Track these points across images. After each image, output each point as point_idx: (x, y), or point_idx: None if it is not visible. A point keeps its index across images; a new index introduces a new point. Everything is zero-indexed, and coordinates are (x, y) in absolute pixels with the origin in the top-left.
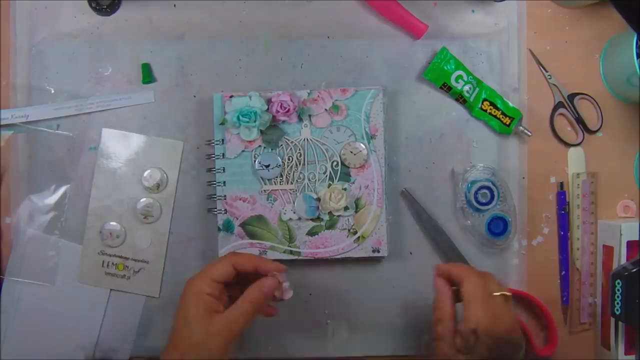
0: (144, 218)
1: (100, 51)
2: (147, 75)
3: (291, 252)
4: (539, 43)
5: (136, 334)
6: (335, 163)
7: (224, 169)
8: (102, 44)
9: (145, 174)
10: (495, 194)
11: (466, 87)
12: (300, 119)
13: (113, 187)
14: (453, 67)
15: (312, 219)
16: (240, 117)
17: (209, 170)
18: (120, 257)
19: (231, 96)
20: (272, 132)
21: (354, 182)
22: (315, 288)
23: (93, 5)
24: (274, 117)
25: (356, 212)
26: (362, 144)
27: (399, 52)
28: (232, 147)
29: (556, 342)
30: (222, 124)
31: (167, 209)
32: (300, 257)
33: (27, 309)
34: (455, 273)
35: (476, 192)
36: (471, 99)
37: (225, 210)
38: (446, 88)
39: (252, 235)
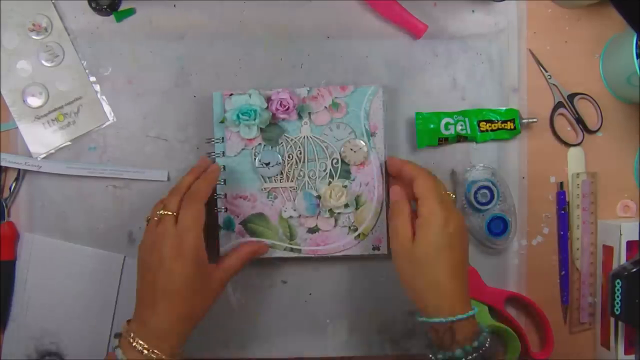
0: None
1: (100, 51)
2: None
3: (292, 250)
4: (539, 43)
5: None
6: (335, 160)
7: (224, 167)
8: (101, 44)
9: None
10: (495, 194)
11: (459, 127)
12: (300, 117)
13: None
14: (436, 119)
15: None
16: (240, 115)
17: None
18: None
19: (231, 94)
20: (272, 130)
21: (354, 180)
22: (315, 288)
23: (93, 5)
24: (273, 115)
25: (357, 209)
26: (362, 141)
27: (399, 52)
28: (232, 145)
29: (552, 346)
30: (222, 122)
31: None
32: (301, 255)
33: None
34: (407, 170)
35: (476, 192)
36: (469, 132)
37: (226, 208)
38: (443, 141)
39: (252, 233)
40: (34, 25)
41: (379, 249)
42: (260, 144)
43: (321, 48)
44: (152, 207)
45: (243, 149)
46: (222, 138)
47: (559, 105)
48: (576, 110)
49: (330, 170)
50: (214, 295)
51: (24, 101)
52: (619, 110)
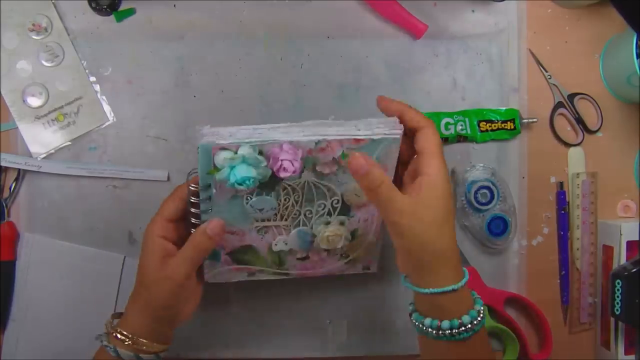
0: None
1: (100, 51)
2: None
3: (280, 274)
4: (539, 43)
5: None
6: (335, 201)
7: (210, 209)
8: (101, 44)
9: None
10: (495, 194)
11: (459, 127)
12: (303, 168)
13: None
14: (436, 119)
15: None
16: (237, 185)
17: (193, 203)
18: None
19: (222, 149)
20: (269, 181)
21: (353, 216)
22: (315, 288)
23: (93, 5)
24: (274, 173)
25: (351, 241)
26: None
27: (399, 52)
28: (220, 193)
29: (551, 348)
30: (210, 174)
31: None
32: (289, 277)
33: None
34: (410, 117)
35: (476, 192)
36: (469, 132)
37: None
38: (443, 141)
39: (239, 262)
40: (34, 25)
41: (369, 269)
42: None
43: (321, 48)
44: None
45: (234, 196)
46: (209, 185)
47: (559, 105)
48: (576, 110)
49: (329, 209)
50: (171, 287)
51: (24, 101)
52: (619, 110)
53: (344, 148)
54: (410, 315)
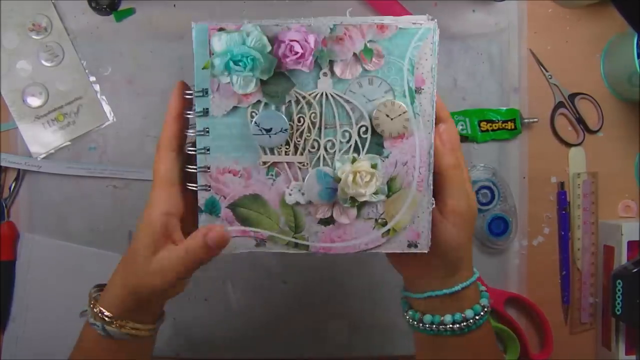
0: None
1: (100, 51)
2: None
3: (296, 245)
4: (539, 43)
5: None
6: (364, 129)
7: (207, 131)
8: (101, 43)
9: None
10: (496, 194)
11: (459, 127)
12: (318, 66)
13: None
14: None
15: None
16: (232, 64)
17: (188, 129)
18: None
19: (220, 29)
20: (276, 82)
21: (387, 157)
22: (315, 288)
23: (93, 5)
24: (280, 62)
25: (388, 197)
26: (403, 104)
27: None
28: (219, 100)
29: (552, 348)
30: (205, 68)
31: None
32: (309, 252)
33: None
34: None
35: (477, 192)
36: (470, 132)
37: (209, 186)
38: None
39: (244, 221)
40: (34, 25)
41: (416, 246)
42: (259, 101)
43: None
44: None
45: (235, 107)
46: (206, 90)
47: (559, 105)
48: (577, 110)
49: (355, 141)
50: (161, 284)
51: (23, 101)
52: (620, 110)
53: (366, 40)
54: (406, 312)
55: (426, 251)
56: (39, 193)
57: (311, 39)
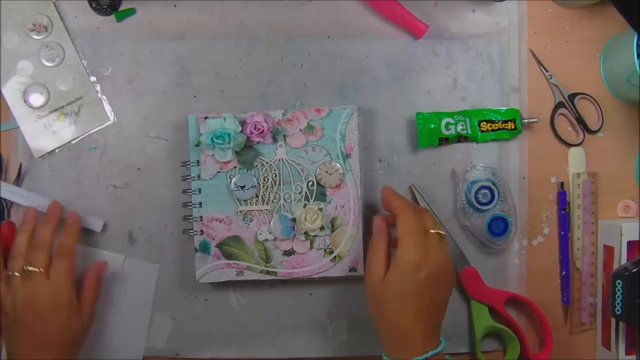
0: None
1: (100, 51)
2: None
3: (268, 272)
4: (539, 43)
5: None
6: (310, 183)
7: (199, 190)
8: (102, 44)
9: None
10: (496, 194)
11: (459, 127)
12: (275, 140)
13: None
14: (436, 119)
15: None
16: (215, 139)
17: (185, 191)
18: None
19: (206, 117)
20: (247, 153)
21: (329, 202)
22: (315, 288)
23: (93, 5)
24: (248, 138)
25: (332, 231)
26: (337, 164)
27: (399, 52)
28: (207, 168)
29: (551, 348)
30: (197, 145)
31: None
32: (277, 277)
33: None
34: (393, 207)
35: (476, 192)
36: (470, 132)
37: (202, 231)
38: (444, 141)
39: (228, 256)
40: (34, 25)
41: (355, 271)
42: (235, 167)
43: (321, 48)
44: (4, 258)
45: (218, 172)
46: (197, 161)
47: (559, 105)
48: (577, 110)
49: (305, 192)
50: (87, 328)
51: (24, 101)
52: (620, 110)
53: (308, 120)
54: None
55: (362, 274)
56: (39, 193)
57: (270, 120)
